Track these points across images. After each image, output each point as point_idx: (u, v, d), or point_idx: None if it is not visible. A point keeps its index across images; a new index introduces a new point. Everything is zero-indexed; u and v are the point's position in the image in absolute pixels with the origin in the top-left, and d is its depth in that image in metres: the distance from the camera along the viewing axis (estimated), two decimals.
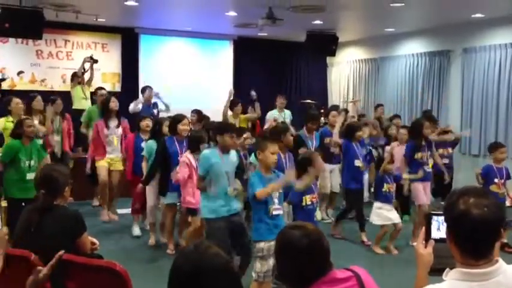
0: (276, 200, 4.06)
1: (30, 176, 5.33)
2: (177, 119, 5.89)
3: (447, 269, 1.72)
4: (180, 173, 5.34)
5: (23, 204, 5.42)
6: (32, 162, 5.47)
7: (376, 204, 6.11)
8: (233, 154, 4.74)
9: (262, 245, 3.99)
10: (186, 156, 5.34)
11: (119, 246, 6.08)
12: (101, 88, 8.52)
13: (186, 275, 1.63)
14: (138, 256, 5.76)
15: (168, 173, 5.73)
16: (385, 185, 5.99)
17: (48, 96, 7.66)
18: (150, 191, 6.13)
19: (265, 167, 4.12)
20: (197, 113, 7.61)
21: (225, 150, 4.60)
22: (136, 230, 6.55)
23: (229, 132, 4.59)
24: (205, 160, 4.56)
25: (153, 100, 8.29)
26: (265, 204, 4.02)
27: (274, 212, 4.04)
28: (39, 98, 7.01)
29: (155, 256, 5.84)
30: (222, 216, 4.48)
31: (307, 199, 4.54)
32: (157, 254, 5.88)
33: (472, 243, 1.66)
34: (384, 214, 6.01)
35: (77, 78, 8.72)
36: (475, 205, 1.65)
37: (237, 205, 4.75)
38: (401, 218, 6.59)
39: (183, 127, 5.78)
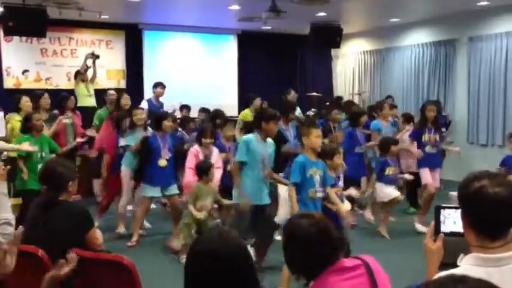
0: (317, 184, 4.27)
1: None
2: (162, 115, 6.14)
3: (462, 255, 1.70)
4: (187, 166, 5.62)
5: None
6: (43, 154, 5.72)
7: (380, 184, 6.30)
8: (270, 142, 4.87)
9: None
10: (195, 149, 5.69)
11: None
12: (110, 89, 8.68)
13: (214, 258, 1.67)
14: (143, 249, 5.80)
15: (149, 166, 5.86)
16: (387, 168, 6.22)
17: (54, 94, 7.71)
18: (128, 182, 6.21)
19: (311, 151, 4.33)
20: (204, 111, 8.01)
21: (265, 137, 4.75)
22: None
23: (275, 120, 4.77)
24: (244, 145, 4.71)
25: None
26: (307, 186, 4.22)
27: (318, 195, 4.26)
28: (46, 95, 7.09)
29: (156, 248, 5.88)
30: (253, 203, 4.69)
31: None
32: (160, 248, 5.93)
33: (487, 221, 1.65)
34: (387, 191, 6.23)
35: (80, 75, 8.72)
36: (489, 184, 1.65)
37: (268, 197, 4.90)
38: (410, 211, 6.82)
39: (169, 123, 5.99)
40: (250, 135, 4.85)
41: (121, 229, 6.33)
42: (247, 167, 4.71)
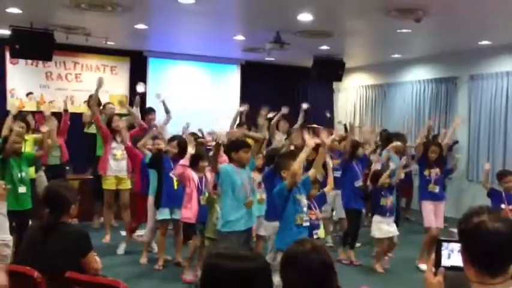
0: (305, 209, 4.07)
1: (22, 189, 5.39)
2: (170, 139, 6.15)
3: None
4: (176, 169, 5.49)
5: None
6: (23, 174, 5.50)
7: (376, 218, 6.19)
8: (248, 169, 4.83)
9: None
10: (190, 171, 5.47)
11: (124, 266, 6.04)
12: (109, 103, 8.72)
13: (235, 277, 1.65)
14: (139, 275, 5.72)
15: (162, 188, 5.86)
16: (382, 199, 6.11)
17: (57, 117, 7.75)
18: (151, 210, 6.17)
19: (293, 184, 4.14)
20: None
21: (240, 165, 4.68)
22: (121, 249, 6.63)
23: (244, 148, 4.67)
24: (224, 173, 4.62)
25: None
26: (294, 212, 4.01)
27: (304, 224, 4.03)
28: (29, 117, 7.23)
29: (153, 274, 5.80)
30: (236, 230, 4.57)
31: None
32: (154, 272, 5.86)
33: (487, 257, 1.63)
34: (384, 228, 6.13)
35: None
36: (489, 219, 1.65)
37: (251, 219, 4.83)
38: None
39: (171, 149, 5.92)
40: (226, 165, 4.76)
41: (143, 260, 6.24)
42: (228, 196, 4.62)
